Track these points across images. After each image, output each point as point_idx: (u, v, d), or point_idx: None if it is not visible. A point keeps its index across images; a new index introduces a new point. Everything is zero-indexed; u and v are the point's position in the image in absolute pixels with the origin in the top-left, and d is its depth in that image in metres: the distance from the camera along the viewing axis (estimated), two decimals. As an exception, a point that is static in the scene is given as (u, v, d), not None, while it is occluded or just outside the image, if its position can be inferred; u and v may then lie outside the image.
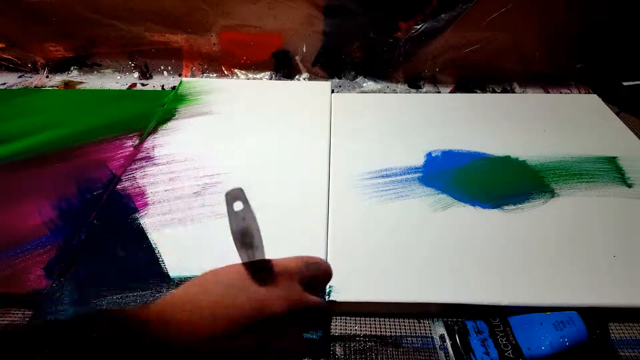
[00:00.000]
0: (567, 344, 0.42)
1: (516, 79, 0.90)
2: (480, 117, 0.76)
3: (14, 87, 0.90)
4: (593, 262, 0.50)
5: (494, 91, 0.89)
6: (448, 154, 0.67)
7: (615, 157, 0.66)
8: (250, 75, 0.93)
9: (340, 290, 0.47)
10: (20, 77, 0.94)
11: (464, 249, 0.52)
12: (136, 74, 0.94)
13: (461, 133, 0.71)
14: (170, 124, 0.74)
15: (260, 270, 0.32)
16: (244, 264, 0.32)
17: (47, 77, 0.93)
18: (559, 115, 0.76)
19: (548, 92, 0.88)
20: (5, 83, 0.91)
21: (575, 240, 0.53)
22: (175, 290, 0.32)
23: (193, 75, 0.93)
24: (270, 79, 0.92)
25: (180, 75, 0.94)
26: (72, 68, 0.95)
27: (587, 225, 0.55)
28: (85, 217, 0.57)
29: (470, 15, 0.82)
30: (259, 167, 0.65)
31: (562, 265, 0.50)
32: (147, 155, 0.67)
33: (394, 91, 0.89)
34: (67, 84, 0.91)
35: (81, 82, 0.92)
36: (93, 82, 0.92)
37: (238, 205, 0.31)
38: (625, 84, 0.84)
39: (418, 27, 0.84)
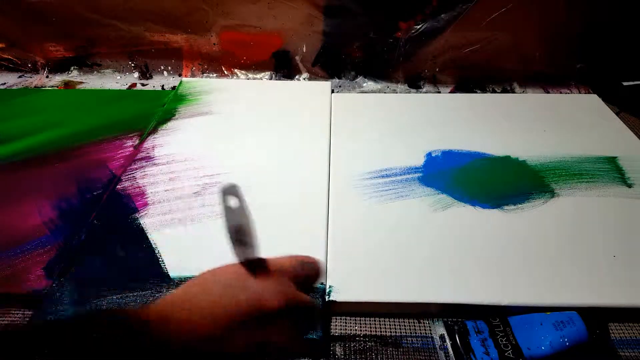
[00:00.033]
0: (567, 344, 0.42)
1: (516, 79, 0.90)
2: (480, 117, 0.76)
3: (14, 87, 0.90)
4: (593, 262, 0.50)
5: (494, 91, 0.89)
6: (448, 154, 0.67)
7: (615, 157, 0.66)
8: (250, 75, 0.93)
9: (340, 290, 0.47)
10: (20, 77, 0.94)
11: (464, 249, 0.52)
12: (136, 74, 0.94)
13: (461, 133, 0.71)
14: (170, 124, 0.74)
15: (256, 268, 0.32)
16: (241, 263, 0.32)
17: (47, 77, 0.93)
18: (559, 115, 0.76)
19: (548, 92, 0.88)
20: (5, 83, 0.91)
21: (575, 240, 0.53)
22: (175, 290, 0.32)
23: (193, 75, 0.93)
24: (270, 79, 0.92)
25: (180, 75, 0.94)
26: (72, 68, 0.95)
27: (587, 225, 0.55)
28: (85, 217, 0.57)
29: (470, 15, 0.82)
30: (259, 167, 0.65)
31: (562, 265, 0.50)
32: (147, 155, 0.67)
33: (394, 91, 0.89)
34: (67, 84, 0.91)
35: (81, 82, 0.92)
36: (93, 82, 0.92)
37: (233, 202, 0.30)
38: (625, 84, 0.84)
39: (418, 27, 0.84)
